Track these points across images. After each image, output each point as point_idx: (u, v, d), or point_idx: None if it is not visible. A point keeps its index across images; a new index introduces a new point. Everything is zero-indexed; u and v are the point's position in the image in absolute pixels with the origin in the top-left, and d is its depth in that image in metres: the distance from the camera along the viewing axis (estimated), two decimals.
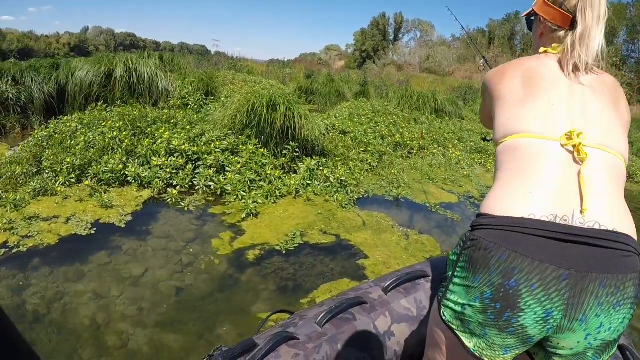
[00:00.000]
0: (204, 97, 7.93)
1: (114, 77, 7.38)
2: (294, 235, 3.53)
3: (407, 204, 4.75)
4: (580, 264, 0.91)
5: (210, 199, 4.20)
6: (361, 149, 6.26)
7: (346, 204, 4.27)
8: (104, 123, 5.35)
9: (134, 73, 7.51)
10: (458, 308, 1.04)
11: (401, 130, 7.96)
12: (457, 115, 11.76)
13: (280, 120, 4.90)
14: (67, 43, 64.63)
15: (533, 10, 1.26)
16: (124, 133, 5.02)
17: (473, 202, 5.09)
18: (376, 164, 5.94)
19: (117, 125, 5.22)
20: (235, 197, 4.12)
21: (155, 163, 4.44)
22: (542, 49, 1.20)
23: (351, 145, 6.33)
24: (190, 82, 8.32)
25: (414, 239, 3.80)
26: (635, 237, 0.98)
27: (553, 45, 1.17)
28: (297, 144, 4.95)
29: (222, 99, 7.37)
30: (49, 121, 6.04)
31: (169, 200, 4.02)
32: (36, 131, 5.57)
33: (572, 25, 1.13)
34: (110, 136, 4.91)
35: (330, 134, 6.62)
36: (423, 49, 48.02)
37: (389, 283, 1.56)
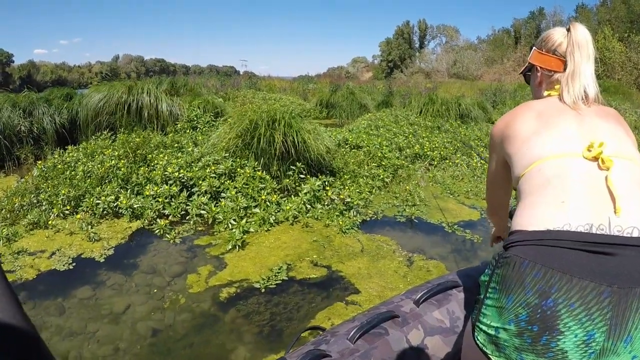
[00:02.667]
0: (213, 118, 7.78)
1: (117, 104, 7.30)
2: (278, 269, 3.15)
3: (420, 224, 4.29)
4: (622, 278, 0.85)
5: (201, 228, 3.91)
6: (374, 164, 5.84)
7: (348, 229, 3.86)
8: (105, 152, 5.21)
9: (137, 99, 7.40)
10: (492, 331, 0.99)
11: (421, 141, 7.54)
12: (485, 120, 11.23)
13: (281, 139, 4.59)
14: (99, 72, 66.82)
15: (529, 63, 1.36)
16: (122, 161, 4.83)
17: None
18: (390, 179, 5.53)
19: (116, 153, 5.05)
20: (226, 226, 3.82)
21: (148, 193, 4.21)
22: (545, 93, 1.26)
23: (364, 160, 5.91)
24: (198, 104, 8.19)
25: (418, 265, 3.37)
26: None
27: (556, 87, 1.23)
28: (301, 164, 4.61)
29: (229, 119, 7.20)
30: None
31: (157, 231, 3.77)
32: (40, 162, 5.49)
33: (565, 68, 1.21)
34: (108, 164, 4.74)
35: (342, 149, 6.24)
36: (449, 54, 47.29)
37: (420, 295, 1.52)
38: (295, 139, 4.67)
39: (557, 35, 1.26)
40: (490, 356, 1.00)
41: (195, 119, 7.64)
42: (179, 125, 7.32)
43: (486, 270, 1.07)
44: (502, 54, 45.17)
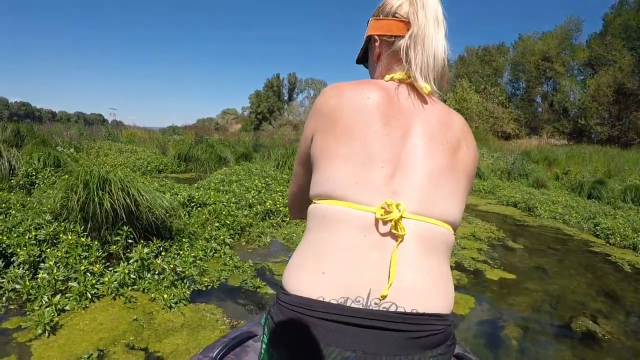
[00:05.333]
0: (54, 173, 7.06)
1: None
2: (87, 358, 2.75)
3: (258, 290, 4.09)
4: (369, 346, 0.88)
5: (13, 306, 3.37)
6: (217, 224, 5.57)
7: (175, 302, 3.55)
8: None
9: None
10: None
11: (274, 195, 7.55)
12: None
13: (108, 201, 4.21)
14: None
15: (365, 39, 1.18)
16: None
17: None
18: (231, 240, 5.30)
19: None
20: (40, 304, 3.34)
21: None
22: (387, 77, 1.07)
23: (208, 219, 5.67)
24: (39, 157, 7.44)
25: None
26: (446, 310, 0.96)
27: (397, 72, 1.07)
28: (128, 228, 4.23)
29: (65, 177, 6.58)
30: None
31: None
32: None
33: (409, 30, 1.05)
34: None
35: (185, 209, 5.93)
36: None
37: (216, 352, 1.42)
38: (127, 201, 4.32)
39: None
40: None
41: (34, 173, 6.89)
42: (13, 181, 6.54)
43: (264, 314, 1.10)
44: None
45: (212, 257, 4.68)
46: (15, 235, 3.98)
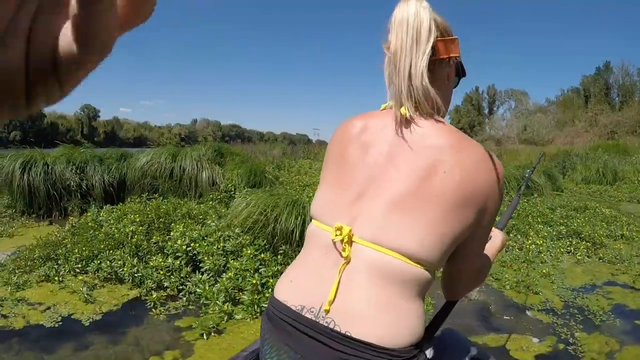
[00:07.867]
0: (250, 189, 7.58)
1: (160, 169, 7.67)
2: None
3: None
4: (310, 355, 0.95)
5: (192, 307, 3.73)
6: None
7: None
8: (127, 216, 5.29)
9: (179, 165, 7.72)
10: None
11: None
12: (554, 189, 10.48)
13: (290, 223, 4.48)
14: (178, 133, 70.82)
15: None
16: (140, 228, 4.86)
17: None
18: None
19: (138, 219, 5.09)
20: (213, 309, 3.60)
21: (152, 264, 4.18)
22: (382, 105, 1.12)
23: None
24: (238, 173, 8.01)
25: None
26: (384, 342, 0.90)
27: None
28: (288, 247, 4.34)
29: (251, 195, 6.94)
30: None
31: (149, 303, 3.67)
32: (71, 218, 5.82)
33: None
34: (128, 230, 4.78)
35: None
36: (519, 119, 45.98)
37: None
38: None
39: None
40: None
41: (232, 189, 7.50)
42: (212, 195, 7.21)
43: None
44: (572, 114, 43.21)
45: None
46: (205, 244, 4.39)
